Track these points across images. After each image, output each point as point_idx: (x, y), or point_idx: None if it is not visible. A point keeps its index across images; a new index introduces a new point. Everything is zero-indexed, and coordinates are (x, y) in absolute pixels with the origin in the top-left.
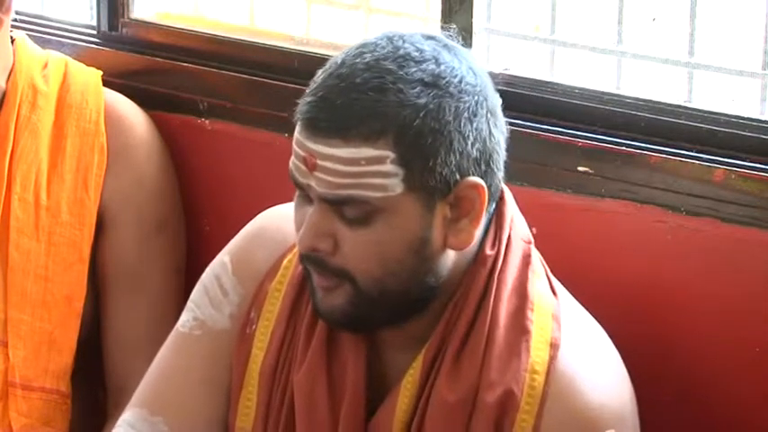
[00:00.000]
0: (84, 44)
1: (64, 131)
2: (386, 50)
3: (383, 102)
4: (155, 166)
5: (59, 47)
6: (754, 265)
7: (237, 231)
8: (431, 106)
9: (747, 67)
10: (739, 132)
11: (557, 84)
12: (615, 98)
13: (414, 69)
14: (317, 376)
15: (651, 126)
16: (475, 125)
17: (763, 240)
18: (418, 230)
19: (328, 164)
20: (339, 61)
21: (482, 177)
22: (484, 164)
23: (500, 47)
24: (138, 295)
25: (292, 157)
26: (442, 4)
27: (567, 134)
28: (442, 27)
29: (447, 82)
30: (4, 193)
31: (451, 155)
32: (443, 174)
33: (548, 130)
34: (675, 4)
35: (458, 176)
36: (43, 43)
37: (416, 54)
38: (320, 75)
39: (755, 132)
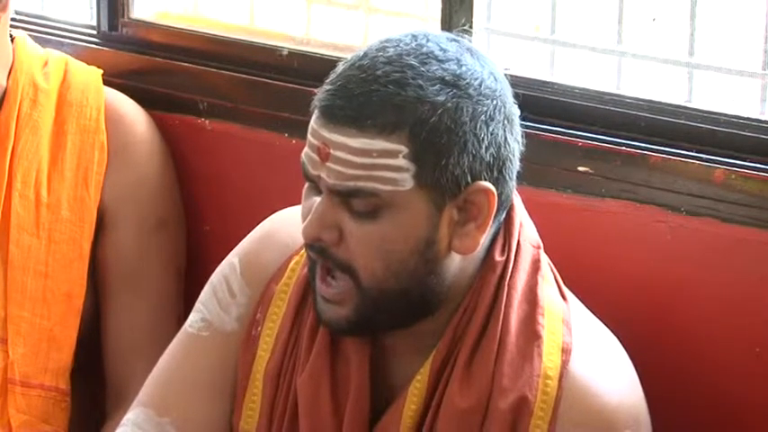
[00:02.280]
0: (84, 44)
1: (64, 129)
2: (409, 47)
3: (401, 96)
4: (155, 165)
5: (59, 46)
6: (755, 265)
7: (237, 231)
8: (449, 105)
9: (747, 67)
10: (739, 132)
11: (557, 84)
12: (615, 98)
13: (435, 67)
14: (320, 378)
15: (651, 126)
16: (491, 129)
17: (763, 240)
18: (424, 230)
19: (340, 153)
20: (361, 54)
21: (494, 184)
22: (496, 170)
23: (500, 47)
24: (137, 294)
25: (305, 148)
26: (442, 4)
27: (567, 134)
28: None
29: (467, 83)
30: (4, 189)
31: (465, 156)
32: (455, 174)
33: (548, 130)
34: (675, 4)
35: (469, 178)
36: (43, 43)
37: (440, 53)
38: (341, 66)
39: (755, 132)
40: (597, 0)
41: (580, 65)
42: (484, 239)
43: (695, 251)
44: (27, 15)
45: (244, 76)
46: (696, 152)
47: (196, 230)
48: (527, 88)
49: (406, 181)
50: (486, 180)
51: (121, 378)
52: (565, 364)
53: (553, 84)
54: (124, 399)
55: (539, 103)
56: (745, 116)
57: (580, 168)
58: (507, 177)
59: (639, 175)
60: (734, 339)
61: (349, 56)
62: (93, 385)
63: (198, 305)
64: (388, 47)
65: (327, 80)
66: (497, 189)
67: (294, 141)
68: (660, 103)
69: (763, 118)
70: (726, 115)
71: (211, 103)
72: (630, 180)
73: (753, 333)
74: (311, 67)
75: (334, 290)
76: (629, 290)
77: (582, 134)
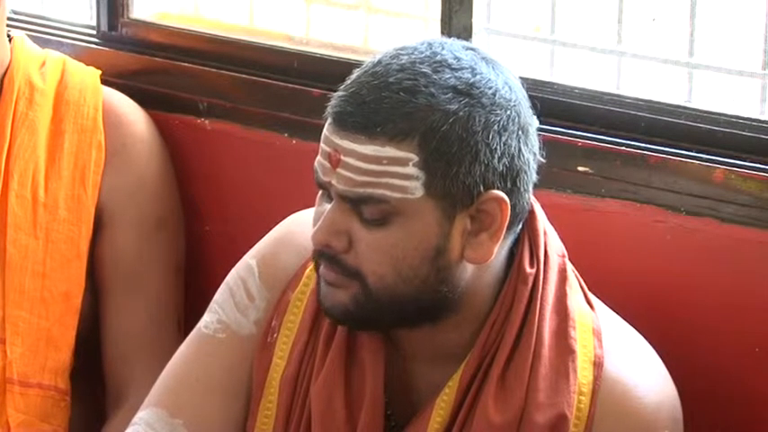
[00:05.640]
0: (83, 44)
1: (61, 128)
2: (423, 54)
3: (413, 103)
4: (154, 164)
5: (59, 47)
6: (754, 264)
7: (237, 231)
8: (460, 114)
9: (747, 67)
10: (739, 132)
11: (557, 84)
12: (615, 98)
13: (448, 75)
14: (334, 385)
15: (651, 126)
16: (504, 139)
17: (763, 240)
18: (435, 238)
19: (351, 160)
20: (376, 60)
21: (507, 194)
22: (510, 181)
23: (500, 47)
24: (136, 294)
25: (318, 156)
26: (442, 4)
27: (567, 134)
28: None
29: (480, 92)
30: (1, 189)
31: (476, 165)
32: (466, 183)
33: (548, 130)
34: (675, 4)
35: (481, 188)
36: (43, 43)
37: (453, 61)
38: (356, 72)
39: (755, 132)
40: (597, 0)
41: (580, 65)
42: (497, 249)
43: (695, 251)
44: (27, 15)
45: (244, 76)
46: (696, 152)
47: (196, 230)
48: (527, 88)
49: (416, 189)
50: (499, 189)
51: (121, 378)
52: (597, 378)
53: (553, 84)
54: (124, 398)
55: (539, 103)
56: (745, 116)
57: (580, 168)
58: (522, 188)
59: (639, 175)
60: (734, 339)
61: (364, 63)
62: (93, 384)
63: (213, 306)
64: (402, 54)
65: (341, 86)
66: (511, 200)
67: (294, 141)
68: (660, 103)
69: (762, 118)
70: (726, 115)
71: (211, 103)
72: (630, 180)
73: (753, 333)
74: (311, 67)
75: (340, 279)
76: (628, 290)
77: (582, 134)
